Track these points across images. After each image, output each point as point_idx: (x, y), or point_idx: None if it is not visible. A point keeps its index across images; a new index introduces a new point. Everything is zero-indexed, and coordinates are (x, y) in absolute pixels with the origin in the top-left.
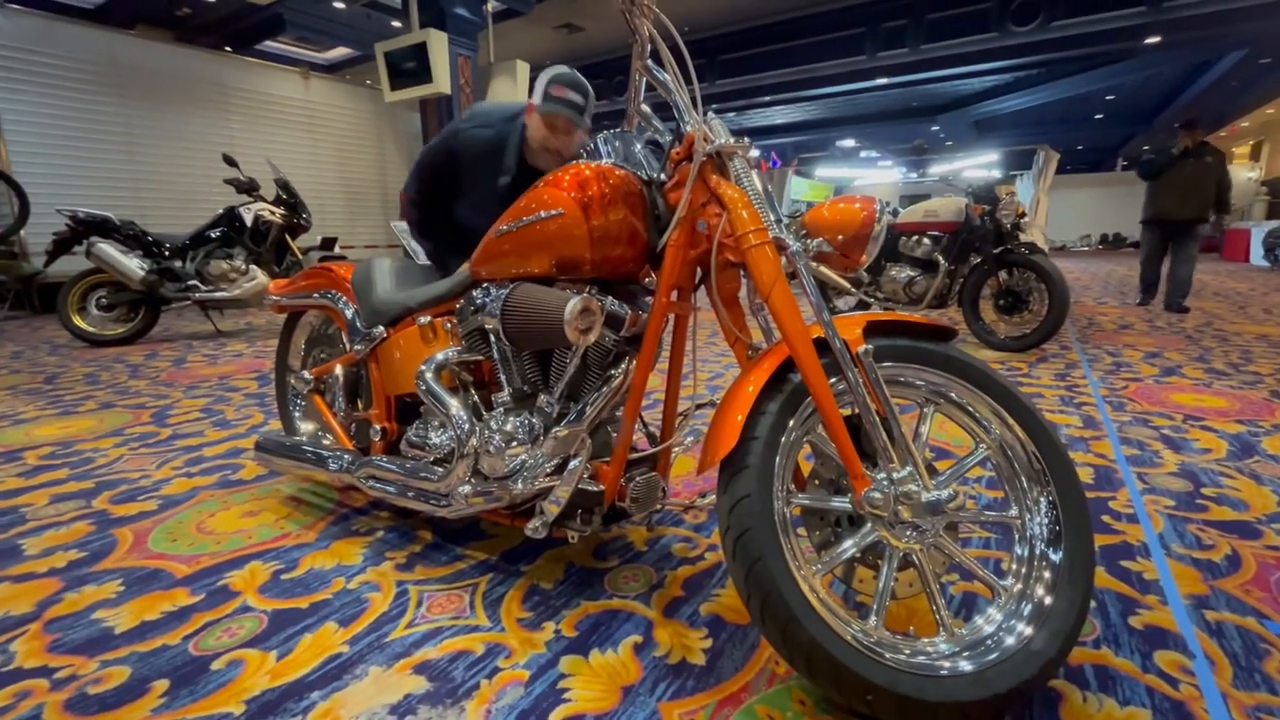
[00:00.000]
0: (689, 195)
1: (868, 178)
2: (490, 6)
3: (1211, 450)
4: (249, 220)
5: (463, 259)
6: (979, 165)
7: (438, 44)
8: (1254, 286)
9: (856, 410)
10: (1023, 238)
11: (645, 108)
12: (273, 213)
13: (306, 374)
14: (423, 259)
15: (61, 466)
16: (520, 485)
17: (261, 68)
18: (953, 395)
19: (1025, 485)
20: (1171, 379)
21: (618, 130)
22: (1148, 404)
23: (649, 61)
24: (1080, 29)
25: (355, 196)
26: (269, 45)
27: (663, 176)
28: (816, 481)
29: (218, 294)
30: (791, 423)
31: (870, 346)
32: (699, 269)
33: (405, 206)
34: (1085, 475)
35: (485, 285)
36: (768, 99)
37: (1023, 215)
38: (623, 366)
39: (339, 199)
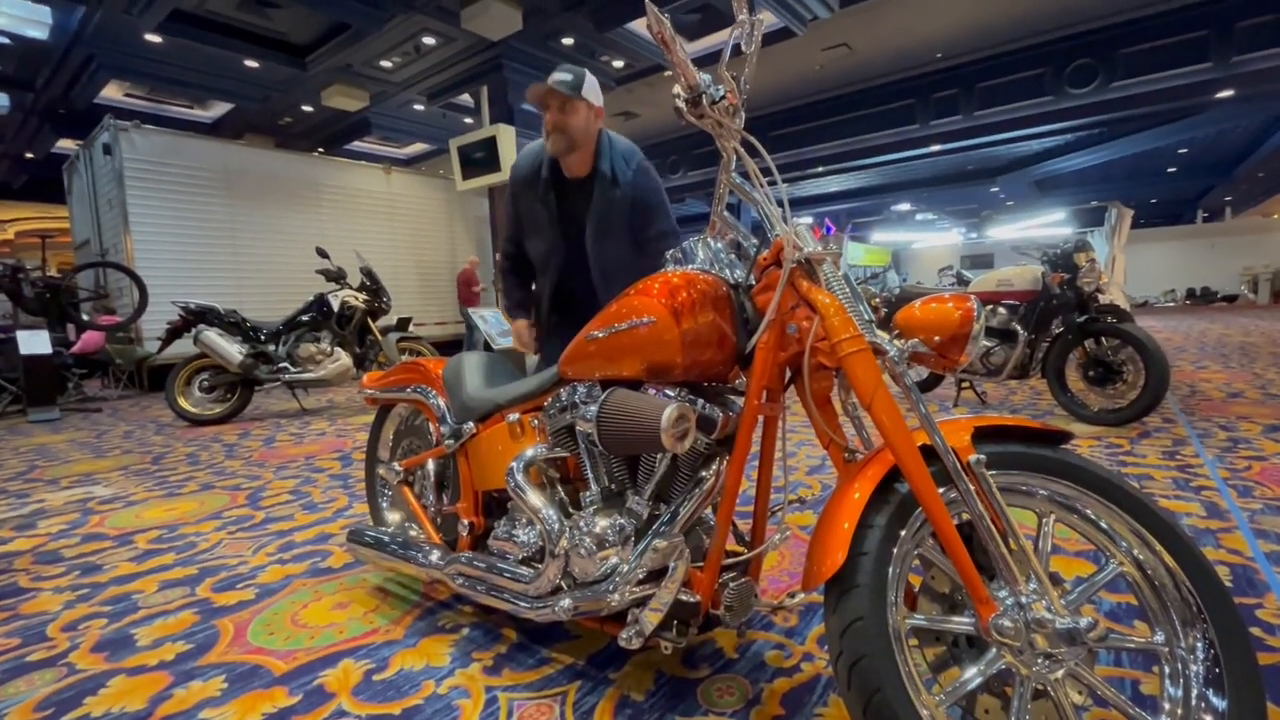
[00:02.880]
0: (779, 299)
1: (926, 240)
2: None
3: None
4: (336, 306)
5: (526, 305)
6: (1044, 225)
7: (506, 137)
8: None
9: (968, 518)
10: (1102, 299)
11: (728, 215)
12: (357, 299)
13: (397, 466)
14: (499, 342)
15: (168, 551)
16: (617, 597)
17: (349, 166)
18: (1078, 507)
19: (1176, 622)
20: None
21: (702, 236)
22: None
23: (734, 174)
24: (1143, 88)
25: (428, 277)
26: (355, 145)
27: (750, 280)
28: (928, 596)
29: (305, 375)
30: (903, 534)
31: (982, 456)
32: (788, 370)
33: (499, 263)
34: (1221, 575)
35: (573, 384)
36: (821, 170)
37: (1102, 274)
38: (714, 468)
39: (413, 280)
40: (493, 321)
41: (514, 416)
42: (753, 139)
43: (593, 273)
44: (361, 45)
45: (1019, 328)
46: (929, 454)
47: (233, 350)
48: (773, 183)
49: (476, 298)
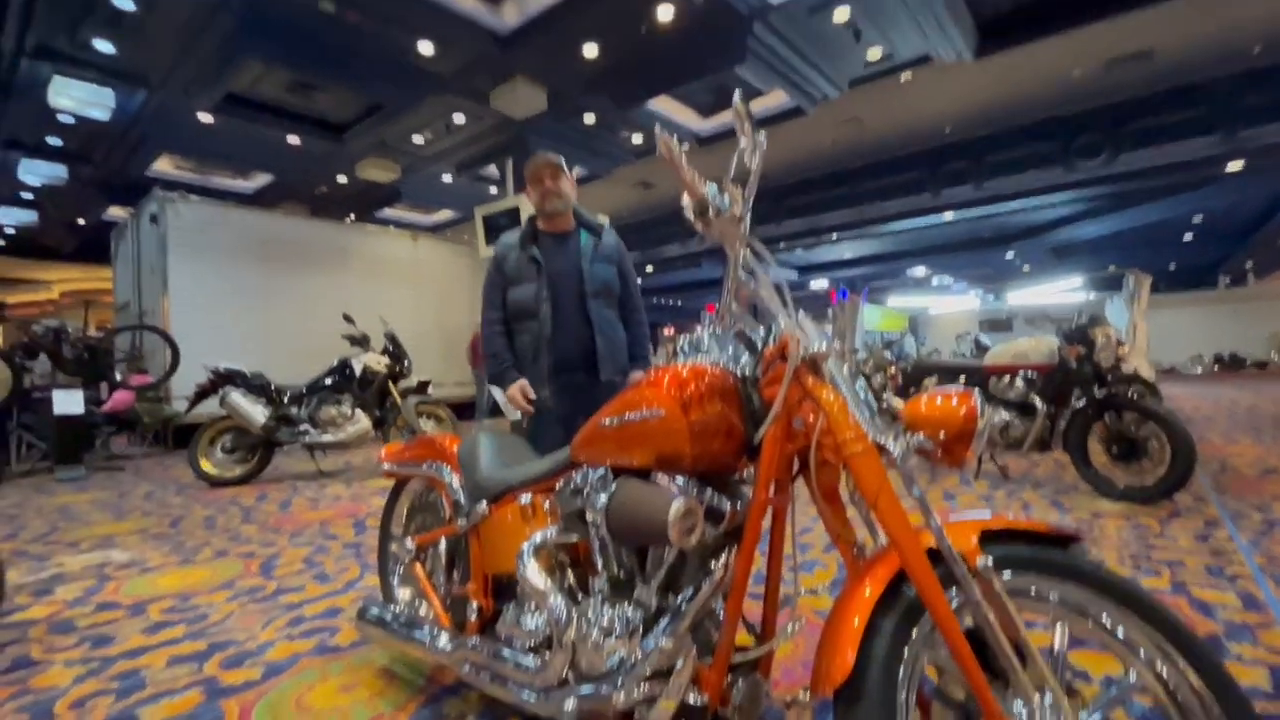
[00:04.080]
0: (784, 394)
1: (943, 305)
2: (575, 173)
3: None
4: (358, 370)
5: (516, 368)
6: (1063, 291)
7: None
8: None
9: (978, 623)
10: (1125, 368)
11: (737, 307)
12: (379, 363)
13: (409, 542)
14: (514, 412)
15: (179, 623)
16: (622, 696)
17: (378, 233)
18: (1091, 612)
19: None
20: None
21: (713, 329)
22: None
23: (742, 272)
24: (1151, 161)
25: (450, 339)
26: (386, 212)
27: (758, 372)
28: (941, 701)
29: (325, 438)
30: (914, 633)
31: (989, 560)
32: (796, 460)
33: (484, 335)
34: (1261, 678)
35: (585, 469)
36: (835, 236)
37: (1121, 346)
38: (722, 559)
39: (435, 342)
40: None
41: (526, 498)
42: (759, 244)
43: (587, 289)
44: (396, 122)
45: (1037, 400)
46: (937, 555)
47: (256, 412)
48: (785, 256)
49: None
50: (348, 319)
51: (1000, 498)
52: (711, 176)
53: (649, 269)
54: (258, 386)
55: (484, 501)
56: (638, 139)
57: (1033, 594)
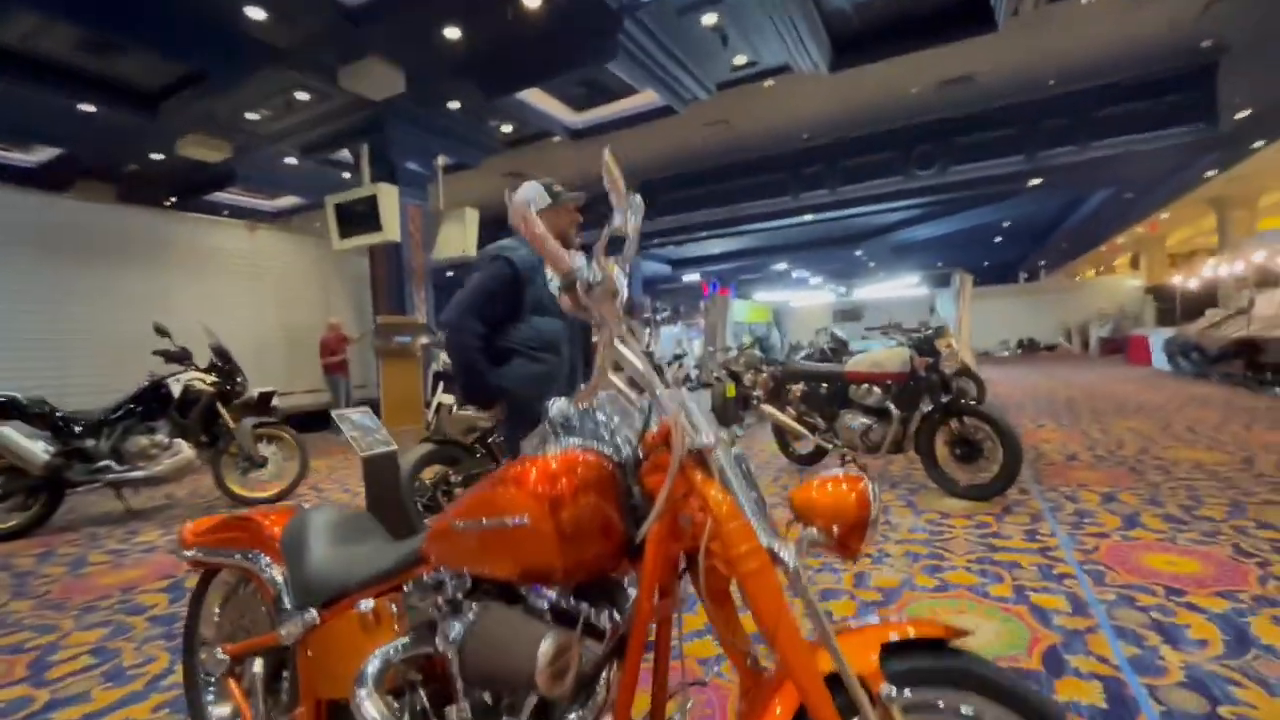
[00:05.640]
0: (669, 489)
1: (803, 299)
2: (441, 162)
3: (1208, 643)
4: (177, 392)
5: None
6: (904, 287)
7: (388, 196)
8: (1168, 398)
9: None
10: (950, 361)
11: (614, 379)
12: (204, 381)
13: (221, 652)
14: (368, 448)
15: None
16: None
17: (205, 222)
18: None
19: None
20: (1136, 533)
21: (586, 408)
22: (1125, 572)
23: (616, 343)
24: (971, 174)
25: (297, 342)
26: (218, 196)
27: (638, 453)
28: None
29: (134, 474)
30: None
31: (893, 690)
32: (682, 557)
33: (459, 346)
34: (1095, 694)
35: (439, 571)
36: (705, 233)
37: (950, 347)
38: (602, 679)
39: (280, 346)
40: (360, 424)
41: (367, 604)
42: (635, 328)
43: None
44: (224, 96)
45: (892, 407)
46: (836, 679)
47: (35, 449)
48: (659, 251)
49: (338, 367)
50: (161, 331)
51: None
52: (585, 170)
53: None
54: (36, 415)
55: (313, 608)
56: (508, 128)
57: (940, 706)
